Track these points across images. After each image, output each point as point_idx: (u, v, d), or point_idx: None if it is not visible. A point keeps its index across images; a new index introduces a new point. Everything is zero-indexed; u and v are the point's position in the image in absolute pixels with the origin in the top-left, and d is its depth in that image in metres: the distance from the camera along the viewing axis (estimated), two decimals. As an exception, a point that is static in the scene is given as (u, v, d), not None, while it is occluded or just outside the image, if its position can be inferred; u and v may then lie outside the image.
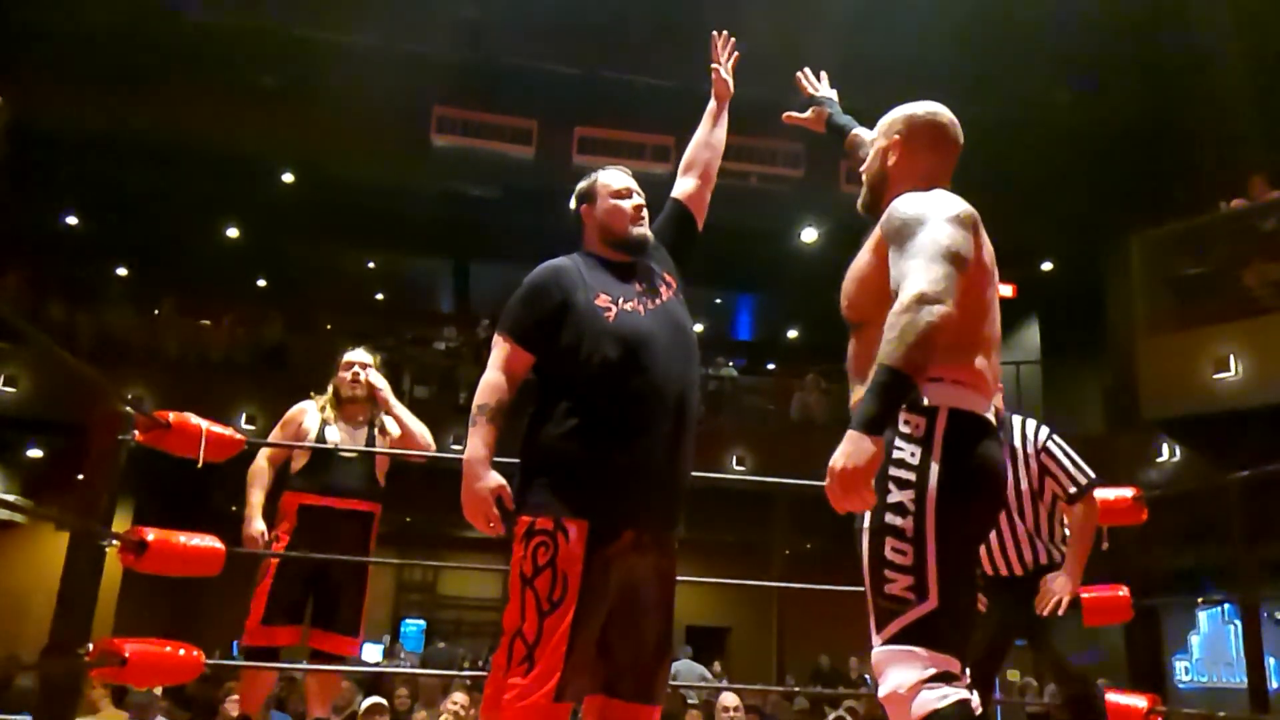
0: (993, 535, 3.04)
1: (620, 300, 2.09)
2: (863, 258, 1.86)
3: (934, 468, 1.64)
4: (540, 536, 1.94)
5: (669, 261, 2.29)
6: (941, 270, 1.61)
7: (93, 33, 8.85)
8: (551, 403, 2.05)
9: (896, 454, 1.67)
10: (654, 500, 2.02)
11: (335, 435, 3.62)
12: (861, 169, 2.02)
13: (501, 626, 1.99)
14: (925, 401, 1.69)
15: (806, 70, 2.62)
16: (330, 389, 3.73)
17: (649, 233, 2.24)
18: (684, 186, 2.45)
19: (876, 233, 1.81)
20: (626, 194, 2.23)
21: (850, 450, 1.54)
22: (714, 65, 2.54)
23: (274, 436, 3.70)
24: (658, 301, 2.15)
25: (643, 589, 2.02)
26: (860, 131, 2.35)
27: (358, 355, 3.75)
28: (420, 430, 3.68)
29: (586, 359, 2.02)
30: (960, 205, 1.75)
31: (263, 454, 3.61)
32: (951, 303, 1.57)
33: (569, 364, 2.04)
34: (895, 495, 1.65)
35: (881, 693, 1.62)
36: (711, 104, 2.56)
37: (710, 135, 2.52)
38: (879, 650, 1.64)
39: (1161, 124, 9.46)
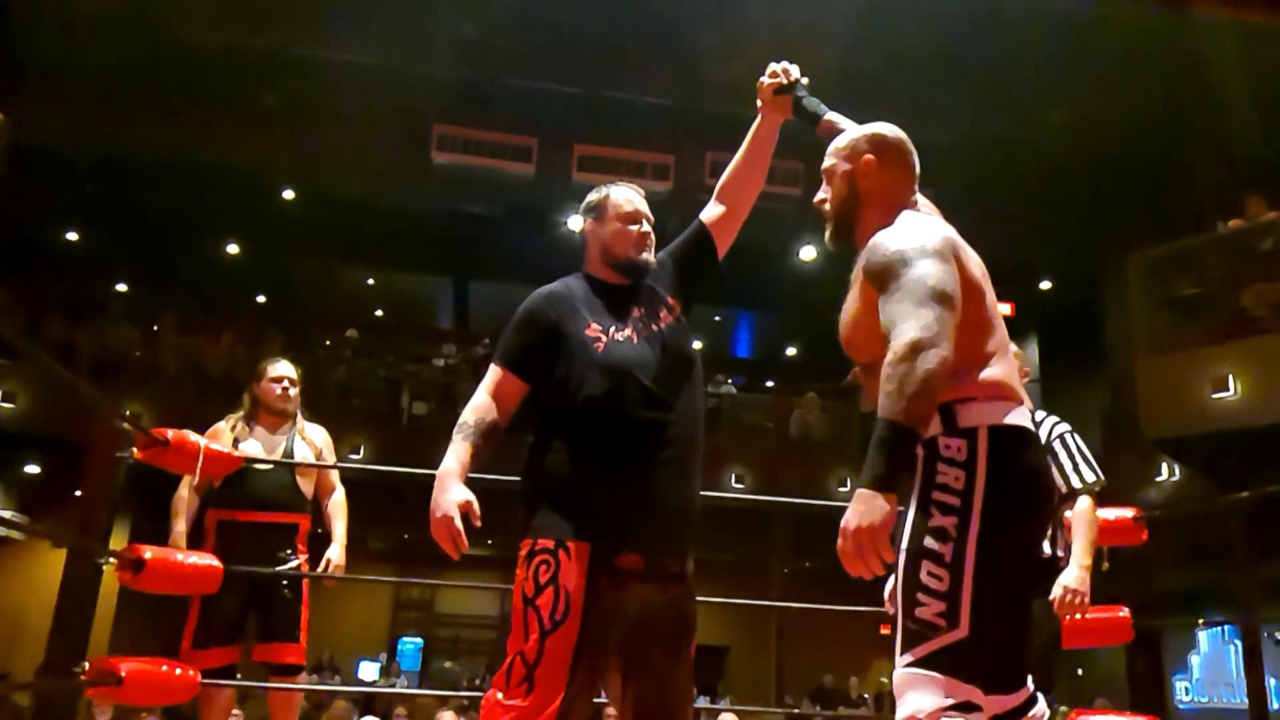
0: None
1: (612, 330, 2.05)
2: (853, 300, 1.82)
3: (979, 491, 1.62)
4: (542, 556, 1.90)
5: (676, 284, 2.24)
6: (932, 314, 1.57)
7: (95, 51, 8.88)
8: (547, 433, 2.03)
9: (939, 478, 1.64)
10: (655, 528, 1.97)
11: (251, 447, 3.58)
12: (819, 200, 1.94)
13: (505, 649, 1.95)
14: (963, 423, 1.67)
15: (775, 69, 2.37)
16: (248, 399, 3.70)
17: (652, 260, 2.19)
18: (712, 211, 2.35)
19: (861, 273, 1.79)
20: (635, 219, 2.17)
21: (863, 509, 1.50)
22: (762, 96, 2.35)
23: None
24: (655, 327, 2.10)
25: (655, 620, 1.96)
26: (835, 118, 2.21)
27: (287, 369, 3.72)
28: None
29: (575, 391, 1.99)
30: (937, 235, 1.72)
31: (184, 482, 3.55)
32: (948, 346, 1.55)
33: (560, 395, 2.01)
34: (937, 520, 1.62)
35: (899, 716, 1.60)
36: (759, 122, 2.35)
37: (752, 157, 2.34)
38: (901, 672, 1.62)
39: (1159, 144, 9.50)
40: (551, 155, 10.25)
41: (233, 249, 12.63)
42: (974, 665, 1.58)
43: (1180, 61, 8.58)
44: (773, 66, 2.35)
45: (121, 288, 13.04)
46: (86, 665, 2.70)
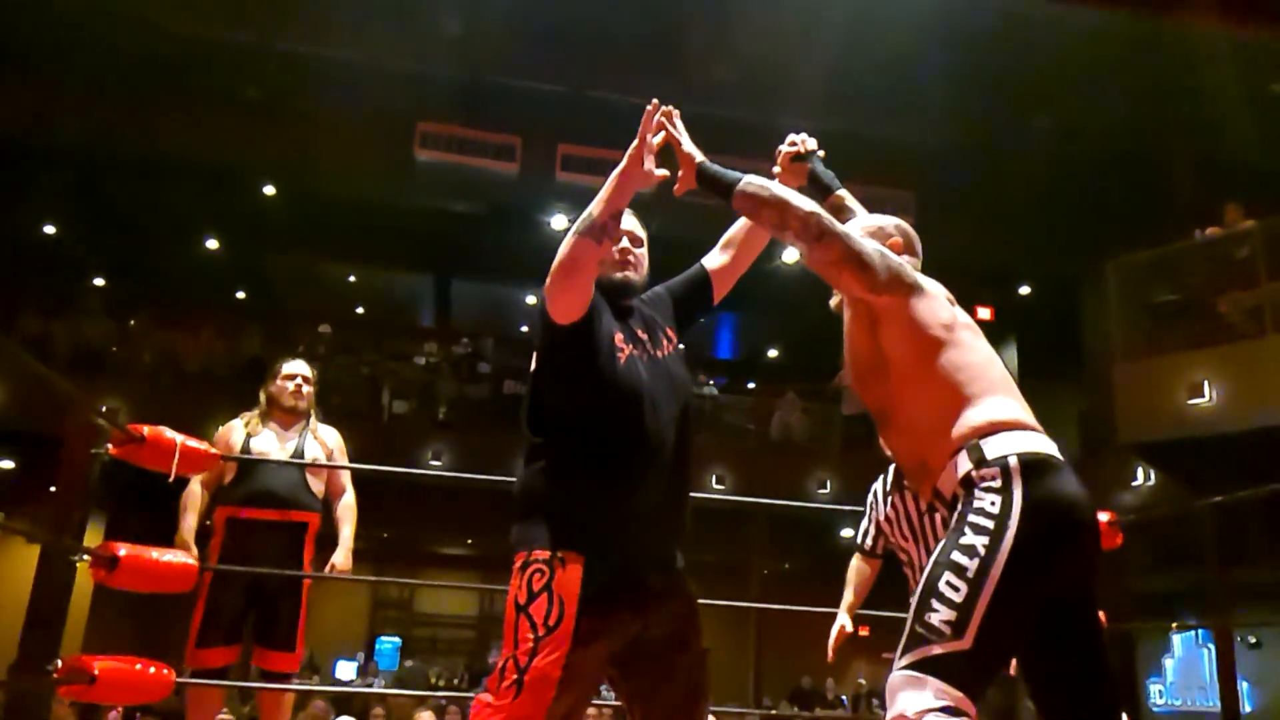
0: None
1: (630, 345, 2.05)
2: (848, 327, 1.96)
3: (1014, 516, 1.66)
4: (536, 565, 1.91)
5: (673, 319, 2.25)
6: (871, 246, 1.82)
7: (75, 44, 8.80)
8: (547, 446, 2.03)
9: (976, 503, 1.70)
10: (650, 547, 2.00)
11: (262, 444, 3.57)
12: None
13: (493, 654, 1.96)
14: (991, 454, 1.72)
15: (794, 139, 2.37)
16: (262, 397, 3.72)
17: (632, 277, 2.15)
18: (715, 260, 2.35)
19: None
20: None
21: (709, 168, 1.92)
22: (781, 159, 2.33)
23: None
24: (659, 353, 2.12)
25: (654, 635, 2.00)
26: (844, 194, 2.30)
27: (300, 367, 3.76)
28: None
29: (587, 402, 1.98)
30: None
31: (196, 479, 3.52)
32: (839, 230, 1.80)
33: (572, 401, 2.00)
34: (969, 538, 1.67)
35: (889, 716, 1.62)
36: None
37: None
38: (895, 674, 1.64)
39: (1139, 152, 9.59)
40: (535, 154, 10.23)
41: (212, 244, 12.53)
42: (967, 677, 1.60)
43: (1160, 70, 8.66)
44: (791, 136, 2.38)
45: (99, 282, 12.92)
46: (59, 663, 2.68)
